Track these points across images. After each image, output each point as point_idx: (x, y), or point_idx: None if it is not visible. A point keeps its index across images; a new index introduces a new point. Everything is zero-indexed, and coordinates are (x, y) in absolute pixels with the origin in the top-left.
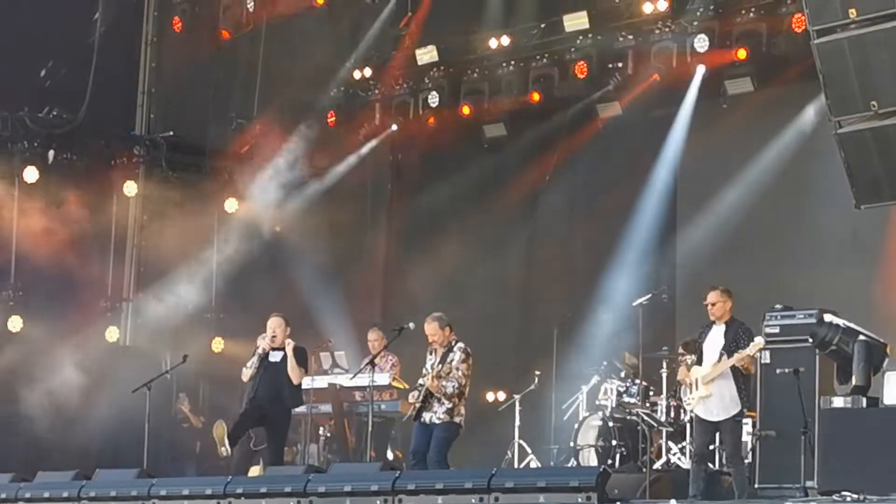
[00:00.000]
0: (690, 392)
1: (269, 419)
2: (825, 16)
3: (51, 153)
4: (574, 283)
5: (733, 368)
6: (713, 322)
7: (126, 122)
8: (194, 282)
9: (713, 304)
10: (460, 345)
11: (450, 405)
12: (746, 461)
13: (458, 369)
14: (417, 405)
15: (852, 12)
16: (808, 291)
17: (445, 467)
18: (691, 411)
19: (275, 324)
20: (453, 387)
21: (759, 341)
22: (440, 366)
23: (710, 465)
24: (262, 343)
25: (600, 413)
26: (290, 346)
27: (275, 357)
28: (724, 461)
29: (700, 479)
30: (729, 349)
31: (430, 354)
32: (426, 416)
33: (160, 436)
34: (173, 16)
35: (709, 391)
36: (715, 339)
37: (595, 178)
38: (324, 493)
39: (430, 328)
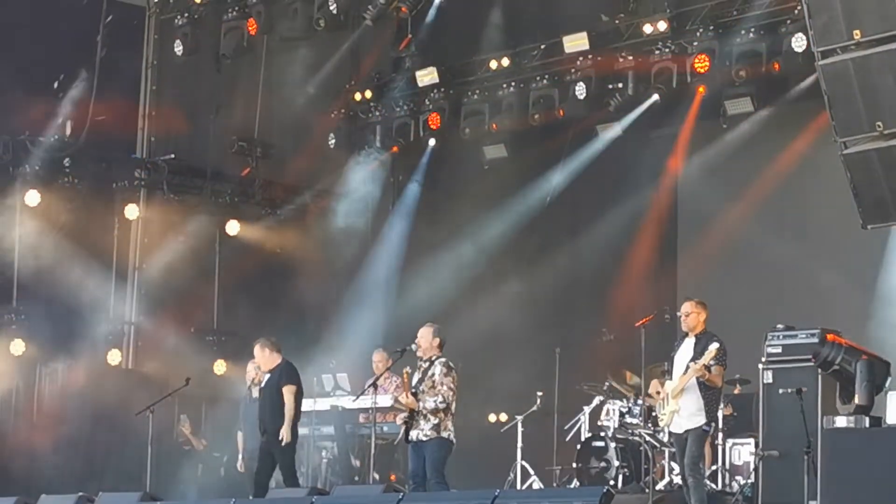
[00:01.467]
0: (663, 408)
1: (270, 439)
2: (830, 37)
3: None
4: (575, 303)
5: (698, 381)
6: (686, 335)
7: (127, 146)
8: (196, 304)
9: (687, 315)
10: (442, 359)
11: (436, 421)
12: (749, 481)
13: (442, 384)
14: (403, 425)
15: (856, 33)
16: (809, 311)
17: (445, 487)
18: (665, 427)
19: (255, 353)
20: (436, 402)
21: (711, 349)
22: (420, 383)
23: (713, 486)
24: (248, 377)
25: (602, 433)
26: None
27: (264, 381)
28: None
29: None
30: (696, 361)
31: (417, 372)
32: (413, 434)
33: (162, 459)
34: (174, 39)
35: (678, 405)
36: (685, 352)
37: (596, 198)
38: None
39: (422, 332)
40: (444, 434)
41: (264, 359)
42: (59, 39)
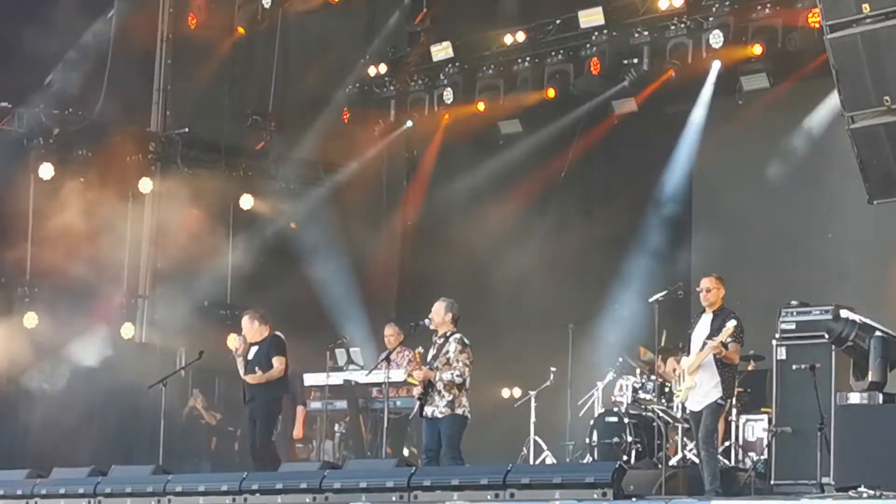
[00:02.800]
0: (679, 384)
1: (254, 407)
2: (839, 11)
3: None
4: (590, 279)
5: (714, 357)
6: (703, 311)
7: (142, 119)
8: (210, 278)
9: (707, 291)
10: (456, 335)
11: (450, 397)
12: (762, 457)
13: (458, 360)
14: (417, 400)
15: (866, 7)
16: (823, 287)
17: (460, 462)
18: (681, 403)
19: (242, 324)
20: (453, 374)
21: (729, 326)
22: (434, 360)
23: (726, 462)
24: (234, 344)
25: (616, 409)
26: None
27: (251, 354)
28: (738, 455)
29: None
30: (713, 338)
31: (431, 347)
32: (428, 411)
33: (175, 432)
34: (189, 12)
35: (694, 381)
36: (702, 328)
37: (611, 174)
38: (339, 490)
39: (435, 306)
40: (459, 410)
41: (252, 331)
42: (74, 12)
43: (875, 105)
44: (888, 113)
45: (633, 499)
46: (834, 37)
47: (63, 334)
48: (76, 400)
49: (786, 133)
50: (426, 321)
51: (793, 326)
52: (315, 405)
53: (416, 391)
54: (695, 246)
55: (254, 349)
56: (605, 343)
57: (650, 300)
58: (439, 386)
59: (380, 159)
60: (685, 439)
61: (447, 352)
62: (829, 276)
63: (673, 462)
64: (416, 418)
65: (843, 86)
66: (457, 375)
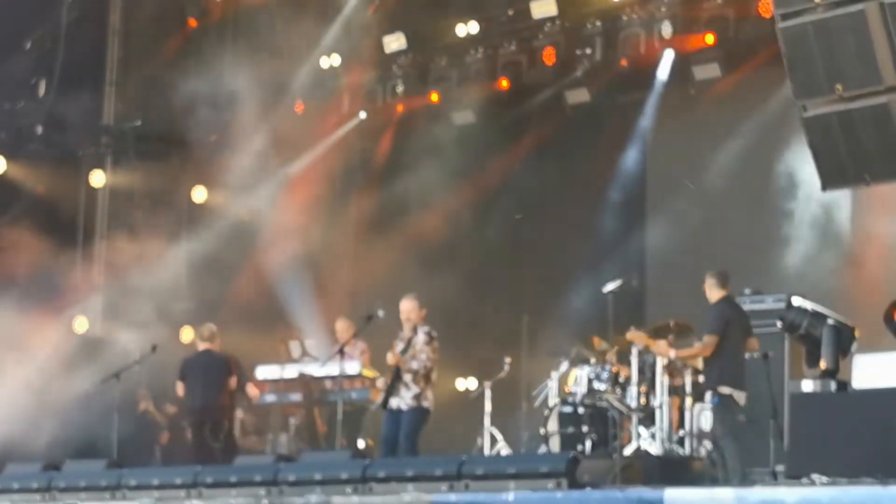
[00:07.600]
0: None
1: None
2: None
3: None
4: (544, 269)
5: None
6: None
7: (93, 113)
8: (163, 271)
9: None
10: (425, 328)
11: (417, 390)
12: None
13: (422, 352)
14: (384, 391)
15: None
16: (777, 276)
17: (415, 453)
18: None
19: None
20: (419, 363)
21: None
22: (404, 353)
23: (681, 451)
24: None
25: (570, 399)
26: None
27: None
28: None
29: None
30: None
31: (399, 342)
32: (393, 403)
33: (129, 426)
34: (140, 5)
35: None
36: None
37: (564, 164)
38: (294, 482)
39: (407, 304)
40: (425, 403)
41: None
42: (25, 7)
43: (827, 93)
44: (840, 101)
45: (588, 488)
46: (785, 25)
47: (16, 330)
48: (29, 394)
49: (738, 121)
50: (380, 313)
51: None
52: (269, 398)
53: (382, 382)
54: (649, 235)
55: None
56: (559, 333)
57: (604, 290)
58: (407, 378)
59: (333, 151)
60: (640, 429)
61: (415, 343)
62: (782, 264)
63: (627, 452)
64: (370, 410)
65: (795, 74)
66: (423, 364)
